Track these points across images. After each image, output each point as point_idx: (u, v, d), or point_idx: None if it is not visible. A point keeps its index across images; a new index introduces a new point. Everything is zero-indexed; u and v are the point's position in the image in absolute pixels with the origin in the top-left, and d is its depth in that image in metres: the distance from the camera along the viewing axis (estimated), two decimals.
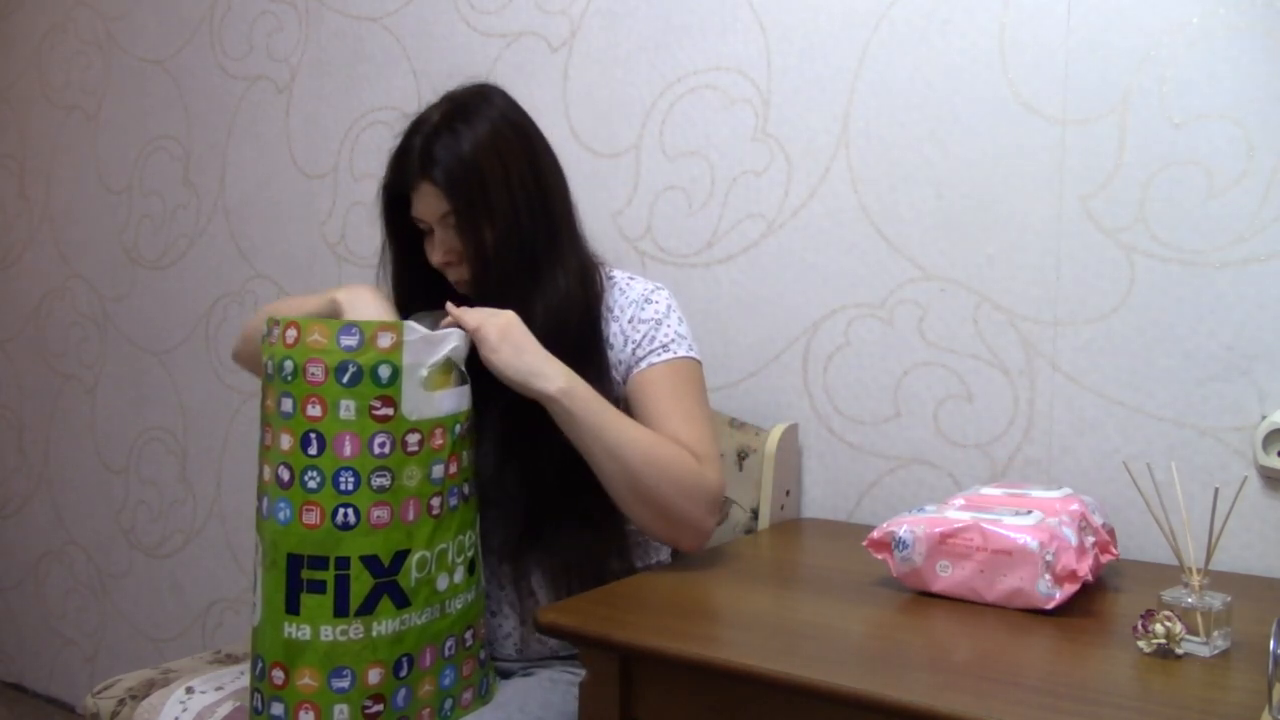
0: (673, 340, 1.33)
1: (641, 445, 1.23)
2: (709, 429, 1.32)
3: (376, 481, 1.09)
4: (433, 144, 1.27)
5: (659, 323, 1.34)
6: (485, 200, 1.27)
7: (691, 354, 1.34)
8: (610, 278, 1.39)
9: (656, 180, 1.80)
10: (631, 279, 1.39)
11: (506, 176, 1.28)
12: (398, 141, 1.32)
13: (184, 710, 1.35)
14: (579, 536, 1.30)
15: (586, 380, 1.24)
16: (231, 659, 1.53)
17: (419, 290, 1.36)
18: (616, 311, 1.35)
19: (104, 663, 2.71)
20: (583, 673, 1.11)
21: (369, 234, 2.18)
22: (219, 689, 1.39)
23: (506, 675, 1.32)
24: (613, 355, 1.33)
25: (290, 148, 2.31)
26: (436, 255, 1.31)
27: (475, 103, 1.31)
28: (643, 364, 1.32)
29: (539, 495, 1.29)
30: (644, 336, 1.33)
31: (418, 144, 1.29)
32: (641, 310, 1.34)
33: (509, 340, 1.21)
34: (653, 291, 1.37)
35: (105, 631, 2.73)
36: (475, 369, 1.23)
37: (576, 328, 1.31)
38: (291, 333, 1.10)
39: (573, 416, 1.22)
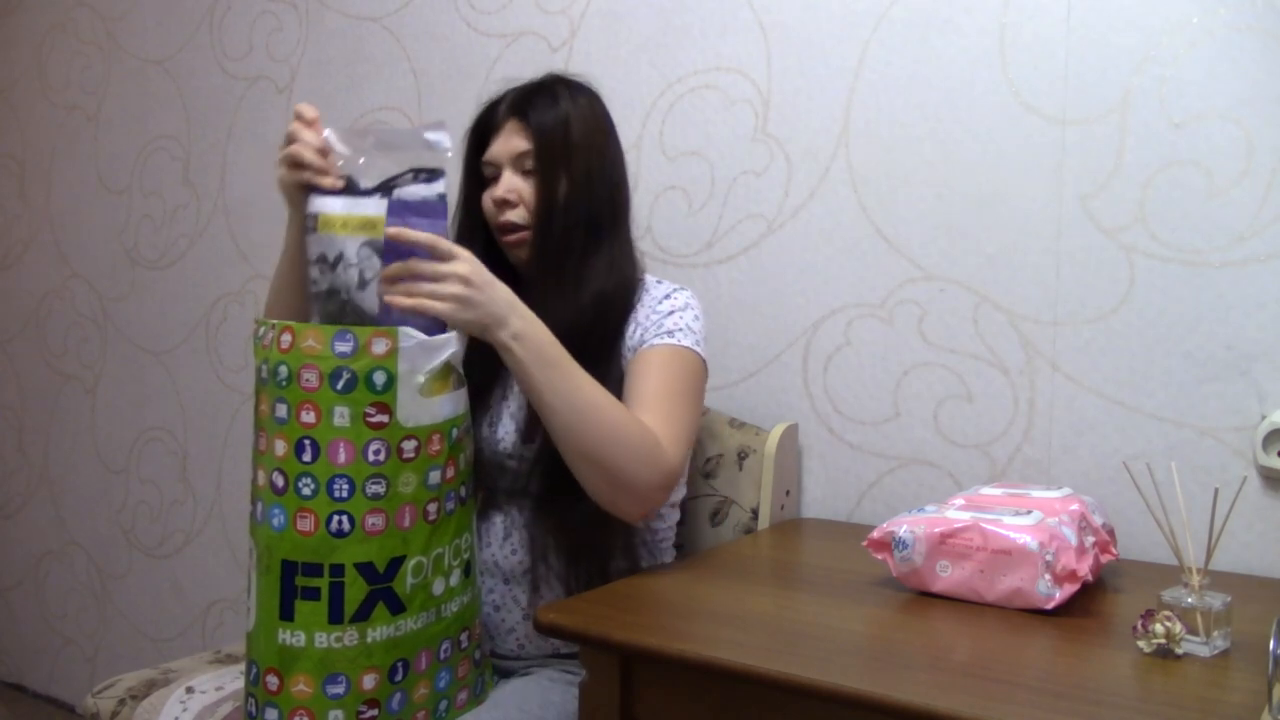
0: (680, 330, 1.33)
1: (598, 400, 1.20)
2: (685, 416, 1.29)
3: (371, 489, 1.09)
4: (531, 93, 1.36)
5: (671, 313, 1.35)
6: (566, 151, 1.33)
7: (696, 348, 1.34)
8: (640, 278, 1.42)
9: (656, 180, 1.80)
10: (659, 281, 1.42)
11: (590, 143, 1.35)
12: (481, 109, 1.40)
13: (184, 710, 1.35)
14: (590, 531, 1.30)
15: (604, 367, 1.27)
16: (231, 659, 1.53)
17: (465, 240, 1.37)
18: (637, 304, 1.37)
19: (104, 663, 2.71)
20: (583, 672, 1.12)
21: None
22: (219, 689, 1.39)
23: (507, 675, 1.32)
24: (624, 345, 1.34)
25: None
26: (498, 191, 1.33)
27: (576, 83, 1.40)
28: (644, 345, 1.32)
29: (556, 481, 1.29)
30: (653, 324, 1.34)
31: (513, 93, 1.37)
32: (659, 304, 1.36)
33: (478, 279, 1.17)
34: (675, 290, 1.39)
35: (105, 631, 2.72)
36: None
37: (619, 310, 1.35)
38: (286, 337, 1.09)
39: (522, 362, 1.18)
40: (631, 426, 1.21)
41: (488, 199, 1.35)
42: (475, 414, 1.31)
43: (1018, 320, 1.50)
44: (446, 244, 1.15)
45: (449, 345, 1.14)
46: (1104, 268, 1.43)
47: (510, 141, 1.34)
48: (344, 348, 1.08)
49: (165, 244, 2.55)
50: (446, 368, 1.14)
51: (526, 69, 1.91)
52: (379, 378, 1.08)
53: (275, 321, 1.12)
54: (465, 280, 1.14)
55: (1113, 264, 1.42)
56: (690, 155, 1.77)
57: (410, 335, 1.10)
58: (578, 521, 1.29)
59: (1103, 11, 1.43)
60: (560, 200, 1.31)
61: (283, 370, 1.09)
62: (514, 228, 1.34)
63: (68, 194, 2.77)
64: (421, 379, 1.11)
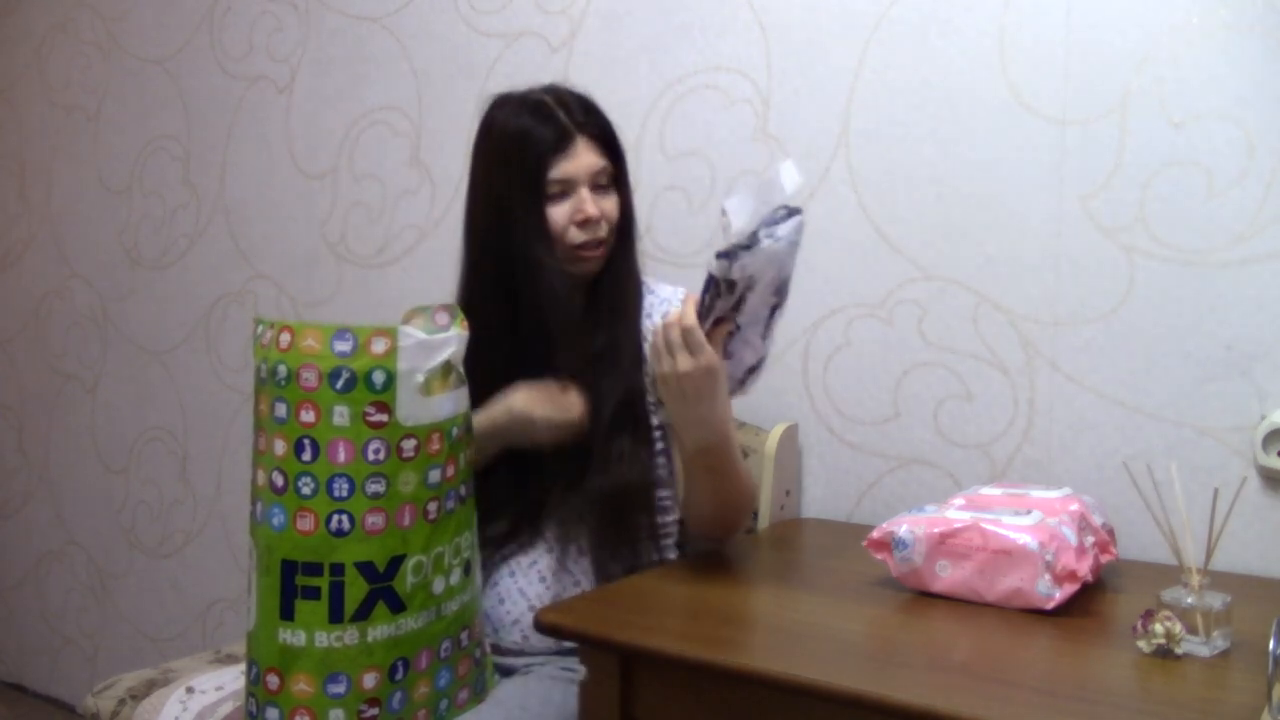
0: None
1: (742, 495, 1.31)
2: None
3: (371, 488, 1.08)
4: (586, 109, 1.36)
5: None
6: (625, 161, 1.38)
7: None
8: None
9: (656, 180, 1.80)
10: (658, 282, 1.45)
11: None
12: (519, 120, 1.33)
13: (184, 710, 1.35)
14: (620, 522, 1.33)
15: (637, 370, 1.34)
16: (232, 659, 1.53)
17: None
18: (648, 308, 1.40)
19: (104, 663, 2.71)
20: (584, 669, 1.11)
21: (369, 234, 2.18)
22: (219, 689, 1.39)
23: (509, 671, 1.32)
24: (644, 349, 1.36)
25: (290, 148, 2.31)
26: (589, 209, 1.32)
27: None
28: None
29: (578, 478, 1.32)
30: None
31: (573, 110, 1.34)
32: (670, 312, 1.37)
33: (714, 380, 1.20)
34: (675, 294, 1.41)
35: (105, 631, 2.73)
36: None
37: (639, 312, 1.39)
38: (285, 337, 1.09)
39: (690, 464, 1.28)
40: (750, 499, 1.34)
41: (564, 216, 1.32)
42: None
43: (1018, 320, 1.50)
44: (699, 338, 1.16)
45: (449, 344, 1.14)
46: (1104, 268, 1.43)
47: (585, 159, 1.32)
48: (343, 347, 1.08)
49: (165, 244, 2.55)
50: (446, 366, 1.14)
51: (526, 69, 1.92)
52: (378, 377, 1.08)
53: (274, 320, 1.12)
54: (704, 372, 1.17)
55: (1113, 264, 1.42)
56: (690, 155, 1.77)
57: (410, 334, 1.10)
58: (610, 513, 1.32)
59: (1103, 11, 1.43)
60: (633, 210, 1.39)
61: (282, 369, 1.09)
62: (600, 243, 1.35)
63: (68, 194, 2.77)
64: (421, 378, 1.11)
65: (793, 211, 1.18)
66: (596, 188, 1.34)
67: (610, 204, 1.35)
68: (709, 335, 1.17)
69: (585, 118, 1.34)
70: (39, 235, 2.84)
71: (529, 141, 1.32)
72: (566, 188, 1.32)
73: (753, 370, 1.26)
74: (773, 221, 1.16)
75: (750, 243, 1.14)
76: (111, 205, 2.66)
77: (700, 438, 1.22)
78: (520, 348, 1.34)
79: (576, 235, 1.32)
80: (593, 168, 1.33)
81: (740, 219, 1.13)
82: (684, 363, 1.16)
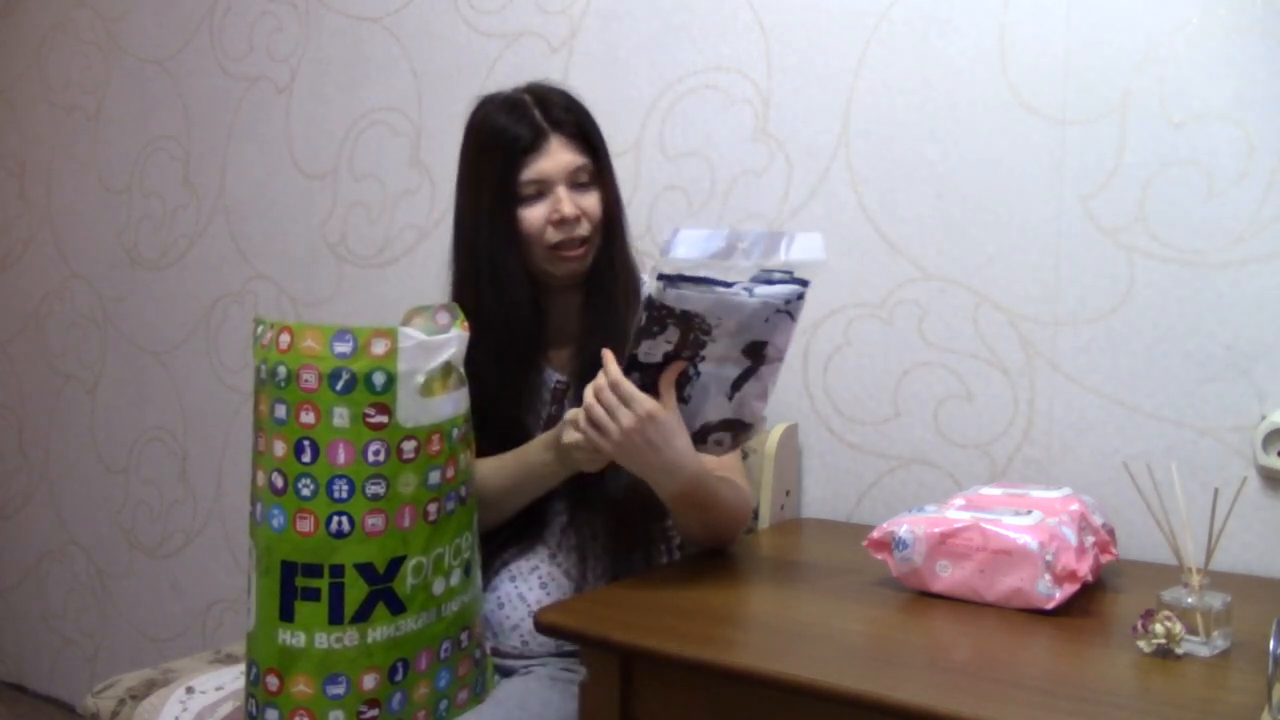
0: None
1: (727, 515, 1.29)
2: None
3: (371, 490, 1.09)
4: (560, 106, 1.33)
5: None
6: (607, 157, 1.36)
7: None
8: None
9: (656, 180, 1.80)
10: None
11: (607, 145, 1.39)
12: (495, 119, 1.33)
13: (184, 710, 1.35)
14: (633, 525, 1.33)
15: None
16: (232, 659, 1.53)
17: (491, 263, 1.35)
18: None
19: (104, 663, 2.71)
20: (584, 670, 1.11)
21: (369, 234, 2.18)
22: (219, 689, 1.39)
23: (508, 673, 1.32)
24: None
25: (290, 148, 2.31)
26: (566, 209, 1.30)
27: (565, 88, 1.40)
28: None
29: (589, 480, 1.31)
30: None
31: (547, 110, 1.32)
32: None
33: (663, 430, 1.16)
34: None
35: (105, 631, 2.73)
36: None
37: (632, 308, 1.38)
38: (285, 338, 1.09)
39: (670, 505, 1.25)
40: (743, 513, 1.33)
41: (540, 217, 1.31)
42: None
43: (1018, 320, 1.50)
44: (628, 390, 1.13)
45: (450, 345, 1.14)
46: (1104, 268, 1.43)
47: (561, 157, 1.31)
48: (343, 348, 1.08)
49: (165, 244, 2.55)
50: (447, 367, 1.14)
51: (526, 69, 1.91)
52: (378, 378, 1.08)
53: (274, 321, 1.12)
54: (646, 418, 1.14)
55: (1113, 264, 1.42)
56: (690, 155, 1.77)
57: (410, 335, 1.10)
58: (625, 516, 1.32)
59: (1103, 11, 1.43)
60: (614, 209, 1.36)
61: (281, 371, 1.09)
62: (581, 242, 1.33)
63: (68, 194, 2.77)
64: (421, 379, 1.11)
65: (795, 280, 1.13)
66: (576, 186, 1.32)
67: (591, 201, 1.34)
68: (657, 375, 1.14)
69: (564, 115, 1.33)
70: (39, 235, 2.84)
71: (502, 141, 1.31)
72: (542, 188, 1.31)
73: (715, 429, 1.21)
74: (763, 279, 1.12)
75: (700, 279, 1.10)
76: (111, 205, 2.66)
77: (670, 484, 1.19)
78: (510, 349, 1.34)
79: (553, 235, 1.32)
80: (569, 166, 1.32)
81: (683, 249, 1.10)
82: (625, 418, 1.13)
